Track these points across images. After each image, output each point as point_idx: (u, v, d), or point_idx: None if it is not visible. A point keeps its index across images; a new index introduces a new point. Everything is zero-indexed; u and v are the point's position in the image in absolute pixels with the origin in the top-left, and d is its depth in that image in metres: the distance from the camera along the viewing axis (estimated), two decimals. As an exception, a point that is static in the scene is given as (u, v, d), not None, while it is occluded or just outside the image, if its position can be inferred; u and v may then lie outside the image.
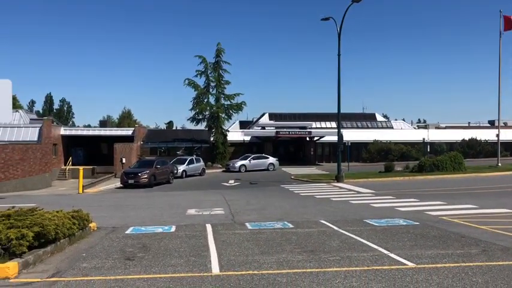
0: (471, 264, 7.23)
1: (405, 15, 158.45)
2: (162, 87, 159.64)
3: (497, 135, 35.89)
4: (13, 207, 9.62)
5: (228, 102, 46.20)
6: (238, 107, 46.21)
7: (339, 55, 27.13)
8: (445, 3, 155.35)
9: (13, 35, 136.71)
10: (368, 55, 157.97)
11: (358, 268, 7.06)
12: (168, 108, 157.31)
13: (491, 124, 69.88)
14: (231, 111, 46.28)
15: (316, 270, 6.99)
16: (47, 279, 6.60)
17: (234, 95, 46.25)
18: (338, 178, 26.83)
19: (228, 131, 47.66)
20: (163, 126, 79.38)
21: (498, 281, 6.28)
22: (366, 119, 62.47)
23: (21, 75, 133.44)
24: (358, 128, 58.86)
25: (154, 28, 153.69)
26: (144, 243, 9.27)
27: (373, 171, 32.60)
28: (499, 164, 33.55)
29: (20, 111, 46.92)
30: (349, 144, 37.59)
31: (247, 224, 11.84)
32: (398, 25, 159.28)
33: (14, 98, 68.37)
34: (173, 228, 11.15)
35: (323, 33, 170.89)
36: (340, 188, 23.38)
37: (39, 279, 6.59)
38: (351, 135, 46.78)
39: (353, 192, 20.77)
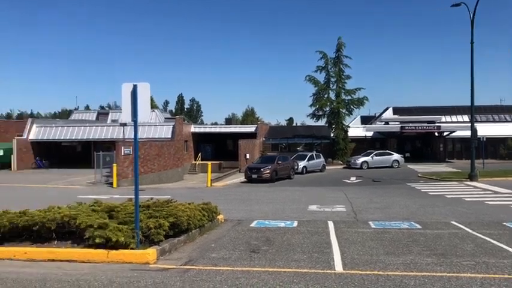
0: None
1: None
2: (283, 84, 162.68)
3: None
4: (151, 198, 10.59)
5: (349, 98, 45.32)
6: (360, 102, 45.08)
7: (472, 43, 24.93)
8: None
9: (148, 37, 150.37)
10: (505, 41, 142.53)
11: (497, 276, 6.45)
12: (289, 105, 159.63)
13: None
14: (351, 107, 45.35)
15: (448, 274, 6.54)
16: (182, 267, 7.14)
17: (355, 89, 45.22)
18: (471, 177, 24.73)
19: (349, 127, 46.74)
20: (284, 123, 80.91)
21: None
22: (504, 112, 56.44)
23: (156, 77, 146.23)
24: (494, 121, 53.50)
25: (274, 28, 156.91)
26: (267, 237, 9.54)
27: (513, 169, 29.43)
28: None
29: (156, 110, 51.43)
30: (484, 139, 34.40)
31: (370, 222, 11.51)
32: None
33: (151, 99, 75.17)
34: (295, 224, 11.29)
35: (452, 21, 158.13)
36: (474, 187, 21.53)
37: (174, 266, 7.17)
38: (486, 129, 42.75)
39: (489, 192, 18.99)
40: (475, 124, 27.08)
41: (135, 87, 7.85)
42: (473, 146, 26.10)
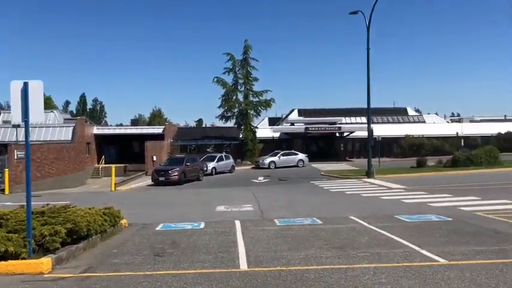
0: (506, 260, 6.99)
1: (433, 7, 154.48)
2: (191, 85, 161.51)
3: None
4: (47, 204, 9.91)
5: (257, 99, 46.23)
6: (267, 104, 46.18)
7: (368, 49, 26.71)
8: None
9: (50, 36, 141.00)
10: (399, 48, 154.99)
11: (388, 264, 6.95)
12: (198, 106, 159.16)
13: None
14: (259, 108, 46.30)
15: (345, 266, 6.91)
16: (80, 275, 6.76)
17: (263, 91, 46.26)
18: (369, 174, 26.47)
19: (257, 128, 47.71)
20: (193, 124, 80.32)
21: (535, 278, 6.07)
22: (397, 114, 61.26)
23: (57, 77, 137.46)
24: (389, 122, 57.82)
25: (181, 27, 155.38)
26: (173, 240, 9.38)
27: (405, 166, 31.99)
28: (539, 158, 32.36)
29: (55, 111, 48.29)
30: (380, 139, 37.06)
31: (276, 220, 11.82)
32: (428, 17, 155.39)
33: (49, 99, 70.54)
34: (202, 225, 11.25)
35: (352, 27, 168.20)
36: (371, 183, 23.06)
37: (72, 275, 6.77)
38: (382, 130, 46.08)
39: (384, 188, 20.46)
40: (372, 125, 28.99)
41: (25, 85, 7.29)
42: (369, 145, 27.95)
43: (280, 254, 7.84)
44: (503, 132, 51.98)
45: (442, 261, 7.10)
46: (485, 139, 50.26)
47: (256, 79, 46.24)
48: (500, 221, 10.75)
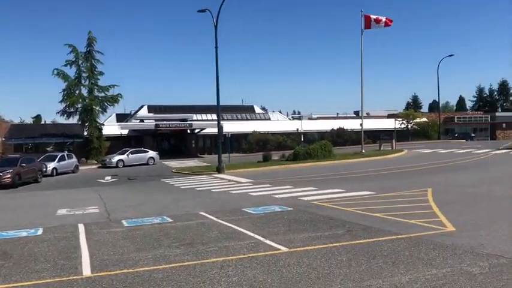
0: (337, 244, 7.80)
1: (279, 12, 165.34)
2: (27, 78, 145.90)
3: (361, 125, 39.33)
4: None
5: (103, 94, 43.91)
6: (114, 100, 44.14)
7: (216, 47, 27.31)
8: (314, 2, 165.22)
9: None
10: (248, 49, 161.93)
11: (234, 257, 7.19)
12: (35, 101, 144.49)
13: (357, 114, 76.34)
14: (106, 104, 44.02)
15: (193, 262, 6.97)
16: None
17: (109, 86, 44.07)
18: (219, 169, 27.13)
19: (104, 125, 45.34)
20: (29, 121, 72.63)
21: (360, 257, 6.87)
22: (246, 111, 64.10)
23: None
24: (238, 119, 60.08)
25: (10, 15, 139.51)
26: (4, 250, 8.38)
27: (253, 161, 33.55)
28: (363, 151, 36.78)
29: None
30: (230, 135, 38.18)
31: (123, 221, 11.37)
32: (272, 22, 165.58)
33: None
34: (40, 231, 10.27)
35: (202, 25, 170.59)
36: (221, 179, 23.67)
37: None
38: (231, 126, 47.61)
39: (233, 183, 21.16)
40: (222, 122, 29.75)
41: None
42: (219, 141, 28.69)
43: (128, 256, 7.57)
44: (335, 128, 57.99)
45: (283, 249, 7.62)
46: (321, 134, 55.49)
47: (101, 73, 43.92)
48: (334, 208, 11.94)
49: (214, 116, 54.19)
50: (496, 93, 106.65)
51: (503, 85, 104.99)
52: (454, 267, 6.18)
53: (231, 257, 7.19)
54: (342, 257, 6.96)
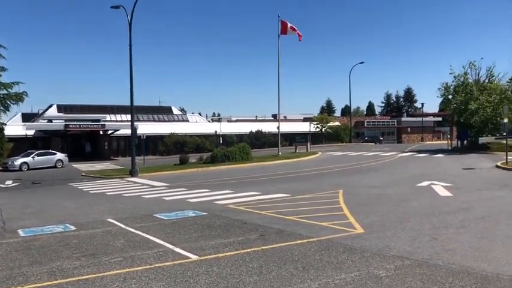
0: (249, 250, 7.61)
1: (201, 13, 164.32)
2: None
3: (278, 128, 40.04)
4: None
5: (5, 92, 40.34)
6: (18, 98, 40.60)
7: (130, 46, 26.24)
8: (228, 8, 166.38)
9: None
10: (167, 49, 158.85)
11: (139, 268, 6.72)
12: None
13: (274, 118, 77.78)
14: (8, 102, 40.43)
15: (94, 276, 6.39)
16: None
17: (12, 83, 40.51)
18: (132, 173, 26.05)
19: (6, 124, 41.69)
20: None
21: (271, 264, 6.72)
22: (163, 112, 62.52)
23: None
24: (154, 121, 58.43)
25: None
26: None
27: (169, 164, 32.71)
28: (280, 153, 37.44)
29: None
30: (145, 137, 36.91)
31: (19, 230, 10.33)
32: (193, 23, 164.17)
33: None
34: None
35: (115, 23, 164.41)
36: (134, 182, 22.71)
37: None
38: (147, 128, 46.12)
39: (146, 187, 20.37)
40: (137, 123, 28.68)
41: None
42: (133, 143, 27.59)
43: (19, 271, 6.79)
44: (254, 130, 58.53)
45: (193, 257, 7.27)
46: (240, 137, 55.73)
47: (3, 69, 40.28)
48: (248, 212, 11.80)
49: (129, 117, 52.35)
50: (402, 99, 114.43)
51: (408, 92, 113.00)
52: (362, 270, 6.24)
53: (136, 268, 6.70)
54: (253, 263, 6.77)
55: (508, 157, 24.71)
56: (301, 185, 18.23)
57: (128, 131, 35.42)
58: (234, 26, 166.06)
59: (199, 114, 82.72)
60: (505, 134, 33.71)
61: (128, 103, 27.70)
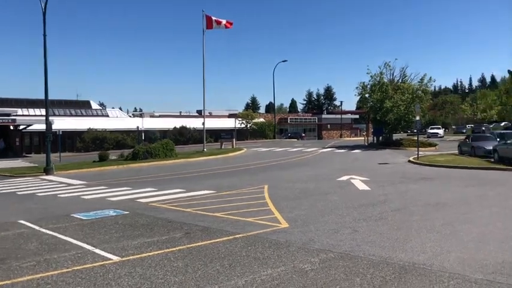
0: (174, 249, 7.40)
1: (124, 6, 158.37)
2: None
3: (203, 124, 39.67)
4: None
5: None
6: None
7: (44, 35, 24.57)
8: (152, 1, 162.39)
9: None
10: (87, 41, 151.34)
11: (55, 272, 6.27)
12: None
13: (199, 113, 77.09)
14: None
15: (2, 283, 5.86)
16: None
17: None
18: (47, 170, 24.46)
19: None
20: None
21: (196, 262, 6.58)
22: (80, 107, 59.53)
23: None
24: (71, 115, 55.48)
25: None
26: None
27: (88, 161, 31.14)
28: (205, 150, 37.13)
29: None
30: (61, 133, 34.84)
31: None
32: (114, 15, 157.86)
33: None
34: None
35: (29, 11, 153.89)
36: (49, 181, 21.32)
37: None
38: (63, 123, 43.67)
39: (63, 185, 19.21)
40: (52, 117, 26.98)
41: None
42: (48, 139, 25.90)
43: None
44: (178, 126, 57.59)
45: (115, 258, 6.93)
46: (164, 133, 54.53)
47: None
48: (173, 210, 11.52)
49: (44, 111, 49.26)
50: (322, 97, 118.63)
51: (328, 90, 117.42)
52: (288, 265, 6.29)
53: (51, 273, 6.24)
54: (179, 262, 6.59)
55: (419, 153, 26.47)
56: (227, 181, 18.18)
57: (43, 126, 33.29)
58: (158, 20, 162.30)
59: (120, 109, 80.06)
60: (415, 130, 36.15)
61: (42, 96, 25.96)
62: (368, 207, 10.95)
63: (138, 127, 49.00)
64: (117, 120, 57.49)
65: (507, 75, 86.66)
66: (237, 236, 8.20)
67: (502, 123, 64.58)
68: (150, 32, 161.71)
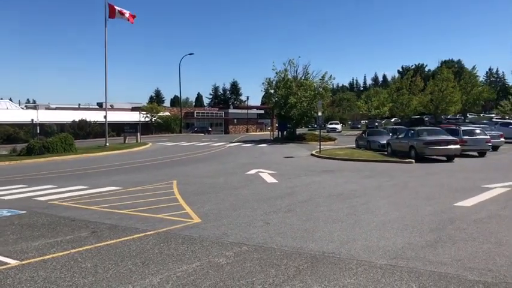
0: (81, 249, 6.99)
1: None
2: None
3: (105, 117, 37.90)
4: None
5: None
6: None
7: None
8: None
9: None
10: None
11: None
12: None
13: (100, 106, 73.53)
14: None
15: None
16: None
17: None
18: None
19: None
20: None
21: (106, 262, 6.27)
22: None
23: None
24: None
25: None
26: None
27: (-27, 156, 28.23)
28: (107, 144, 35.52)
29: None
30: None
31: None
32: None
33: None
34: None
35: None
36: None
37: None
38: None
39: None
40: None
41: None
42: None
43: None
44: (77, 120, 54.46)
45: (13, 262, 6.36)
46: (61, 126, 51.25)
47: None
48: (76, 208, 10.86)
49: None
50: (228, 92, 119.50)
51: (234, 85, 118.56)
52: (203, 260, 6.25)
53: None
54: (87, 263, 6.23)
55: (321, 147, 27.81)
56: (134, 176, 17.57)
57: None
58: (54, 7, 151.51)
59: (10, 100, 73.64)
60: (315, 125, 37.86)
61: None
62: (277, 200, 11.26)
63: (32, 120, 45.49)
64: (8, 112, 52.90)
65: (397, 75, 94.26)
66: (148, 233, 7.97)
67: (393, 119, 70.22)
68: (43, 18, 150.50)
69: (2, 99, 65.82)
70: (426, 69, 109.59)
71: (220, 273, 5.64)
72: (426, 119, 63.91)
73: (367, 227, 8.08)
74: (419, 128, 25.00)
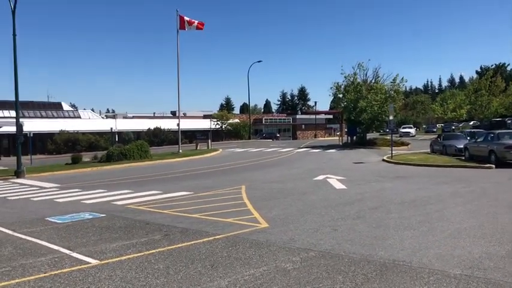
0: (154, 251, 7.32)
1: (89, 6, 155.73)
2: None
3: (178, 125, 39.38)
4: None
5: None
6: None
7: (14, 35, 23.93)
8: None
9: None
10: (54, 42, 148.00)
11: (32, 277, 6.11)
12: None
13: (173, 114, 76.47)
14: None
15: (-25, 290, 5.68)
16: None
17: None
18: (18, 173, 23.84)
19: None
20: None
21: (178, 264, 6.52)
22: (52, 108, 58.28)
23: None
24: (42, 117, 54.24)
25: None
26: None
27: (60, 163, 30.48)
28: (180, 151, 36.84)
29: None
30: (32, 135, 34.04)
31: None
32: (81, 15, 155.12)
33: None
34: None
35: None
36: (21, 184, 20.78)
37: None
38: (34, 125, 42.68)
39: (35, 188, 18.75)
40: (22, 119, 26.31)
41: None
42: (19, 141, 25.24)
43: None
44: (152, 127, 57.02)
45: (94, 262, 6.80)
46: (138, 134, 53.89)
47: None
48: (150, 212, 11.39)
49: (13, 113, 47.93)
50: (296, 97, 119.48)
51: (302, 91, 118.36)
52: (270, 264, 6.30)
53: (27, 278, 6.08)
54: (159, 264, 6.52)
55: (393, 152, 26.95)
56: (204, 182, 18.09)
57: (12, 129, 32.42)
58: (131, 20, 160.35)
59: (92, 110, 78.63)
60: (388, 130, 36.72)
61: (10, 98, 25.30)
62: (346, 206, 11.07)
63: (111, 128, 48.23)
64: (90, 122, 56.55)
65: (475, 76, 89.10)
66: (217, 236, 8.17)
67: (471, 122, 66.48)
68: (121, 32, 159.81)
69: (84, 109, 70.51)
70: (508, 68, 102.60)
71: (287, 278, 5.66)
72: (509, 121, 59.98)
73: (441, 235, 7.72)
74: (500, 131, 23.44)
